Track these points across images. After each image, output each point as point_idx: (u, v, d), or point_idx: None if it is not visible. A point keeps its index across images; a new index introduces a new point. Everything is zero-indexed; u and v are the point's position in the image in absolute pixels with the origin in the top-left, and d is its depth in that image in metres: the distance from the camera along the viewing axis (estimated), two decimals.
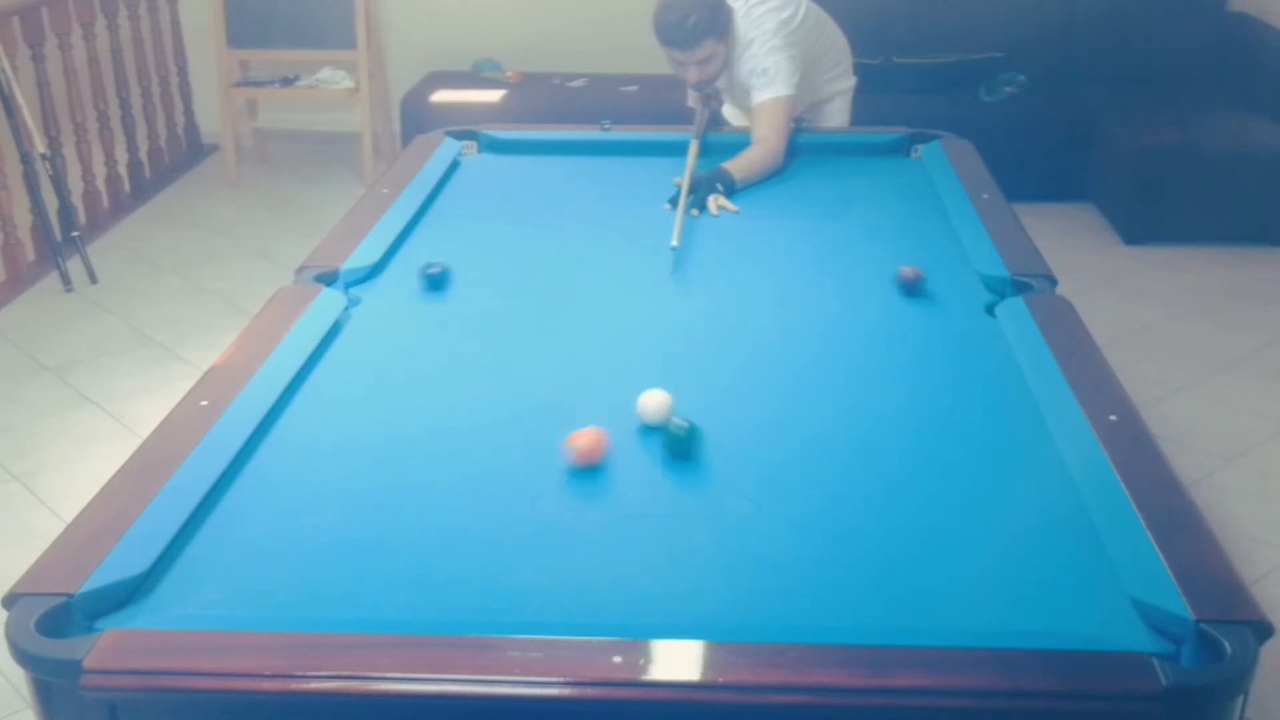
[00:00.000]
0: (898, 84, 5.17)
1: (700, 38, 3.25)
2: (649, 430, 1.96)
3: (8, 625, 1.47)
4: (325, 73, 5.78)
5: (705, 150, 3.24)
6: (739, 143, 3.27)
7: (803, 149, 3.37)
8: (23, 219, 4.67)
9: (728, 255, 2.73)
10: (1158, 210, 4.96)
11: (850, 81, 3.79)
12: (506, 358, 2.27)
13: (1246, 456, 3.53)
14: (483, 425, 2.02)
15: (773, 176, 3.22)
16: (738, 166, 3.11)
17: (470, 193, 3.15)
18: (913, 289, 2.47)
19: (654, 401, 1.96)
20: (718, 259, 2.71)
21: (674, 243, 2.67)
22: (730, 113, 3.83)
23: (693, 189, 2.98)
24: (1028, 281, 2.45)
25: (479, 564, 1.65)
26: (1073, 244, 4.92)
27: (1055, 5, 5.53)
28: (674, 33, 3.25)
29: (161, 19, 5.72)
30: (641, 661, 1.42)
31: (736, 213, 2.96)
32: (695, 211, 2.93)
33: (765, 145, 3.23)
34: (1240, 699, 1.41)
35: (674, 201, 2.93)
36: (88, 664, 1.40)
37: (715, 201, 2.98)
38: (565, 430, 1.94)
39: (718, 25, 3.27)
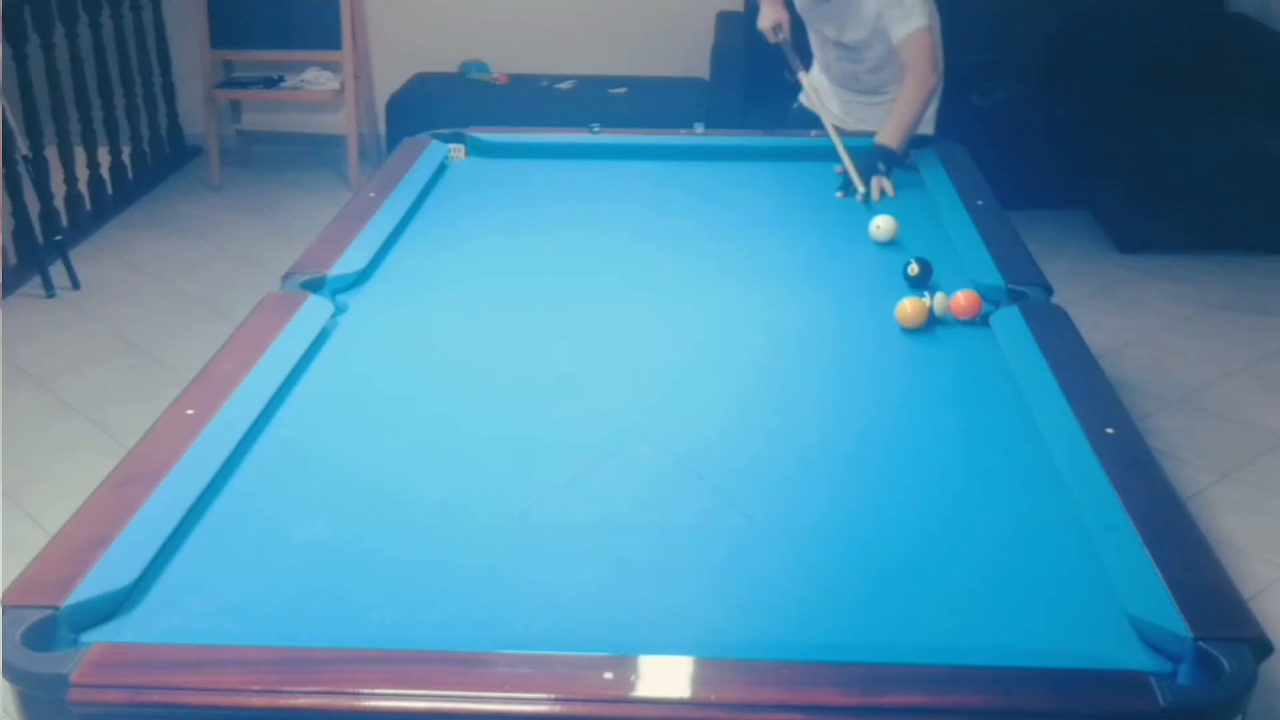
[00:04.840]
0: None
1: None
2: (645, 437, 1.95)
3: None
4: (310, 74, 5.75)
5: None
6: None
7: (796, 155, 3.36)
8: (4, 223, 4.63)
9: (720, 263, 2.72)
10: (1153, 218, 4.92)
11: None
12: (494, 365, 2.25)
13: (1244, 470, 3.49)
14: (472, 435, 2.00)
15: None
16: (894, 130, 3.20)
17: (458, 197, 3.13)
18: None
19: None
20: (711, 266, 2.70)
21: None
22: (820, 103, 3.61)
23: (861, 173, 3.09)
24: (1023, 290, 2.44)
25: (468, 578, 1.63)
26: (1068, 252, 4.90)
27: (1050, 7, 5.45)
28: None
29: (144, 19, 5.68)
30: (633, 678, 1.40)
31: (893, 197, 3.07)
32: (860, 196, 3.05)
33: (916, 78, 3.28)
34: (1239, 719, 1.40)
35: (844, 188, 3.10)
36: (75, 678, 1.39)
37: (877, 185, 3.08)
38: (557, 436, 1.94)
39: None
